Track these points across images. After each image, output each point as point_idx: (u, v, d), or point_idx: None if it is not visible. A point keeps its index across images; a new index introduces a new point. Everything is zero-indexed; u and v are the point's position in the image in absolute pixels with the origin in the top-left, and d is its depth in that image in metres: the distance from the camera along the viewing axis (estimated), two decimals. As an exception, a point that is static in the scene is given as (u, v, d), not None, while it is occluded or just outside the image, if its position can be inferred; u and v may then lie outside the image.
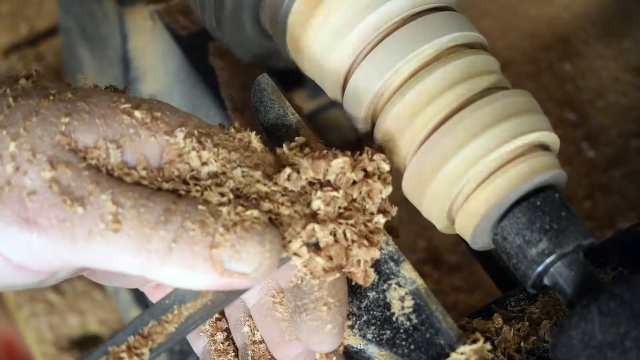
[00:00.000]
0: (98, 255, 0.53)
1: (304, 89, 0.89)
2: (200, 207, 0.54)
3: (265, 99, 0.64)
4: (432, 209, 0.61)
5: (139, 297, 1.01)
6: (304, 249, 0.56)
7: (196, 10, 0.72)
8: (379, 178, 0.59)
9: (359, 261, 0.58)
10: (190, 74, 0.84)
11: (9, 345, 1.14)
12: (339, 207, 0.58)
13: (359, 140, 0.67)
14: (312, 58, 0.64)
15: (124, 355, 0.54)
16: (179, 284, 0.54)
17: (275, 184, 0.57)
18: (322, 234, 0.56)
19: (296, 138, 0.61)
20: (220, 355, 0.63)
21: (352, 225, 0.57)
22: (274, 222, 0.56)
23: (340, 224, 0.57)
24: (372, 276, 0.59)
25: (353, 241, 0.57)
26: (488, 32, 0.65)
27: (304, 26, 0.64)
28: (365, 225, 0.58)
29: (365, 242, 0.57)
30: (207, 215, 0.54)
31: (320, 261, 0.56)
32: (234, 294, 0.56)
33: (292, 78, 0.79)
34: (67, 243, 0.53)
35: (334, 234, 0.57)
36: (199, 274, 0.54)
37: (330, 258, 0.57)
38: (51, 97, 0.56)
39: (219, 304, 0.56)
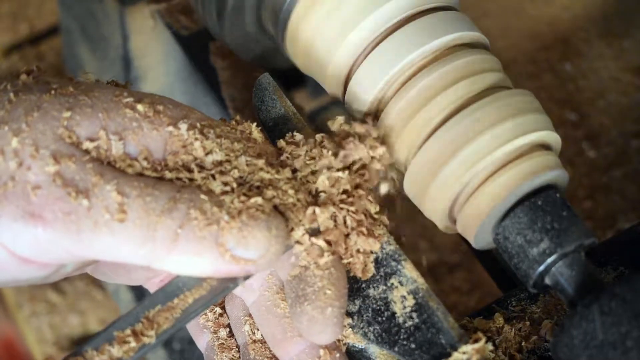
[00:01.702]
0: (104, 247, 0.53)
1: (305, 88, 0.90)
2: (202, 196, 0.55)
3: (267, 99, 0.64)
4: (434, 208, 0.61)
5: (140, 296, 1.01)
6: (306, 237, 0.56)
7: (197, 10, 0.72)
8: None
9: (358, 251, 0.58)
10: (191, 74, 0.84)
11: (9, 345, 1.14)
12: (342, 190, 0.58)
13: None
14: (315, 57, 0.64)
15: (130, 339, 0.54)
16: (185, 272, 0.54)
17: (278, 172, 0.57)
18: (323, 217, 0.56)
19: (295, 134, 0.61)
20: (223, 351, 0.63)
21: (353, 212, 0.57)
22: (278, 209, 0.56)
23: (341, 209, 0.57)
24: (372, 270, 0.59)
25: (352, 228, 0.57)
26: (488, 32, 0.65)
27: (305, 25, 0.64)
28: (366, 215, 0.58)
29: (364, 230, 0.58)
30: (212, 203, 0.54)
31: (319, 243, 0.57)
32: (238, 280, 0.56)
33: (294, 78, 0.79)
34: (73, 235, 0.53)
35: (334, 218, 0.57)
36: (205, 261, 0.54)
37: (329, 243, 0.57)
38: (53, 92, 0.56)
39: (223, 290, 0.56)
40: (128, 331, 0.54)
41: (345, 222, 0.57)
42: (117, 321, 0.55)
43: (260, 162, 0.57)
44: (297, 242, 0.56)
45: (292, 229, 0.56)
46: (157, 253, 0.53)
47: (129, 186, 0.54)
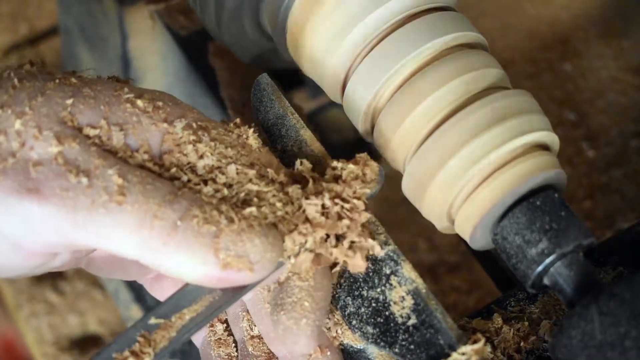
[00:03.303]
0: (98, 229, 0.53)
1: (304, 89, 0.90)
2: (203, 197, 0.55)
3: (265, 99, 0.64)
4: (432, 209, 0.61)
5: (139, 296, 1.01)
6: (297, 248, 0.56)
7: (196, 10, 0.72)
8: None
9: (351, 247, 0.58)
10: (190, 74, 0.84)
11: (9, 345, 1.14)
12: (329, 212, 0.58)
13: (359, 139, 0.67)
14: (312, 58, 0.64)
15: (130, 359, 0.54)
16: (177, 272, 0.54)
17: (267, 184, 0.57)
18: (312, 237, 0.57)
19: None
20: (220, 347, 0.64)
21: (342, 201, 0.57)
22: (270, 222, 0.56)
23: (336, 203, 0.57)
24: (363, 265, 0.58)
25: (342, 218, 0.58)
26: (488, 32, 0.65)
27: (303, 26, 0.64)
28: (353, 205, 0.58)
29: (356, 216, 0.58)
30: (212, 206, 0.54)
31: (308, 257, 0.57)
32: (235, 294, 0.56)
33: (292, 78, 0.79)
34: (69, 213, 0.53)
35: (326, 214, 0.57)
36: (199, 262, 0.53)
37: (317, 255, 0.57)
38: (57, 81, 0.56)
39: (221, 305, 0.56)
40: (127, 352, 0.54)
41: (338, 215, 0.57)
42: (112, 343, 0.54)
43: (251, 173, 0.57)
44: (288, 255, 0.56)
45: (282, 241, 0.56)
46: (151, 243, 0.53)
47: (131, 173, 0.54)
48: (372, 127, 0.63)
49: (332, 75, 0.64)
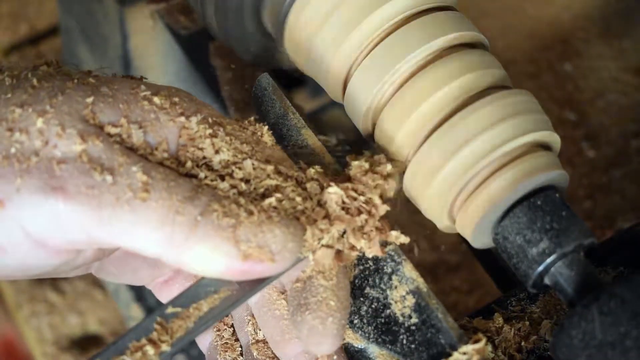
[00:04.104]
0: (122, 226, 0.53)
1: (304, 88, 0.90)
2: (221, 193, 0.55)
3: (266, 99, 0.64)
4: (433, 208, 0.61)
5: (140, 296, 1.02)
6: (316, 243, 0.56)
7: (197, 10, 0.72)
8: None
9: (370, 237, 0.58)
10: (190, 74, 0.84)
11: (9, 345, 1.14)
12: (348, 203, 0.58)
13: (359, 140, 0.67)
14: (313, 58, 0.64)
15: (147, 348, 0.54)
16: (199, 267, 0.54)
17: (285, 180, 0.57)
18: (331, 233, 0.57)
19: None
20: (227, 350, 0.63)
21: (361, 194, 0.58)
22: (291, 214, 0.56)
23: (354, 198, 0.57)
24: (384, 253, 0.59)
25: (361, 212, 0.58)
26: (488, 32, 0.65)
27: (304, 26, 0.64)
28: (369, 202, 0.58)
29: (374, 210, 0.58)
30: (230, 200, 0.55)
31: (328, 252, 0.57)
32: (254, 287, 0.56)
33: (293, 78, 0.79)
34: (93, 210, 0.53)
35: (346, 209, 0.57)
36: (221, 254, 0.53)
37: (339, 251, 0.57)
38: (75, 81, 0.56)
39: (239, 298, 0.56)
40: (144, 340, 0.54)
41: (357, 210, 0.57)
42: (129, 332, 0.54)
43: (269, 168, 0.57)
44: (307, 249, 0.56)
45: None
46: (174, 239, 0.53)
47: (154, 170, 0.54)
48: (373, 127, 0.63)
49: (334, 75, 0.64)
